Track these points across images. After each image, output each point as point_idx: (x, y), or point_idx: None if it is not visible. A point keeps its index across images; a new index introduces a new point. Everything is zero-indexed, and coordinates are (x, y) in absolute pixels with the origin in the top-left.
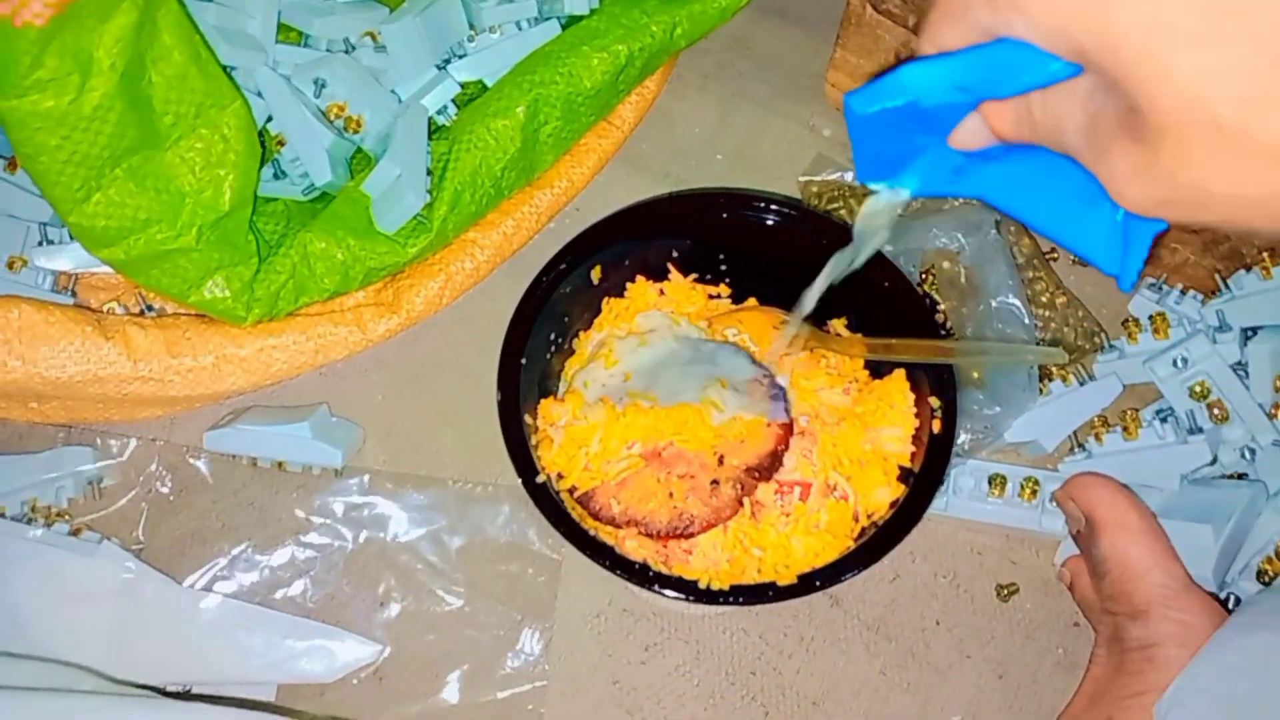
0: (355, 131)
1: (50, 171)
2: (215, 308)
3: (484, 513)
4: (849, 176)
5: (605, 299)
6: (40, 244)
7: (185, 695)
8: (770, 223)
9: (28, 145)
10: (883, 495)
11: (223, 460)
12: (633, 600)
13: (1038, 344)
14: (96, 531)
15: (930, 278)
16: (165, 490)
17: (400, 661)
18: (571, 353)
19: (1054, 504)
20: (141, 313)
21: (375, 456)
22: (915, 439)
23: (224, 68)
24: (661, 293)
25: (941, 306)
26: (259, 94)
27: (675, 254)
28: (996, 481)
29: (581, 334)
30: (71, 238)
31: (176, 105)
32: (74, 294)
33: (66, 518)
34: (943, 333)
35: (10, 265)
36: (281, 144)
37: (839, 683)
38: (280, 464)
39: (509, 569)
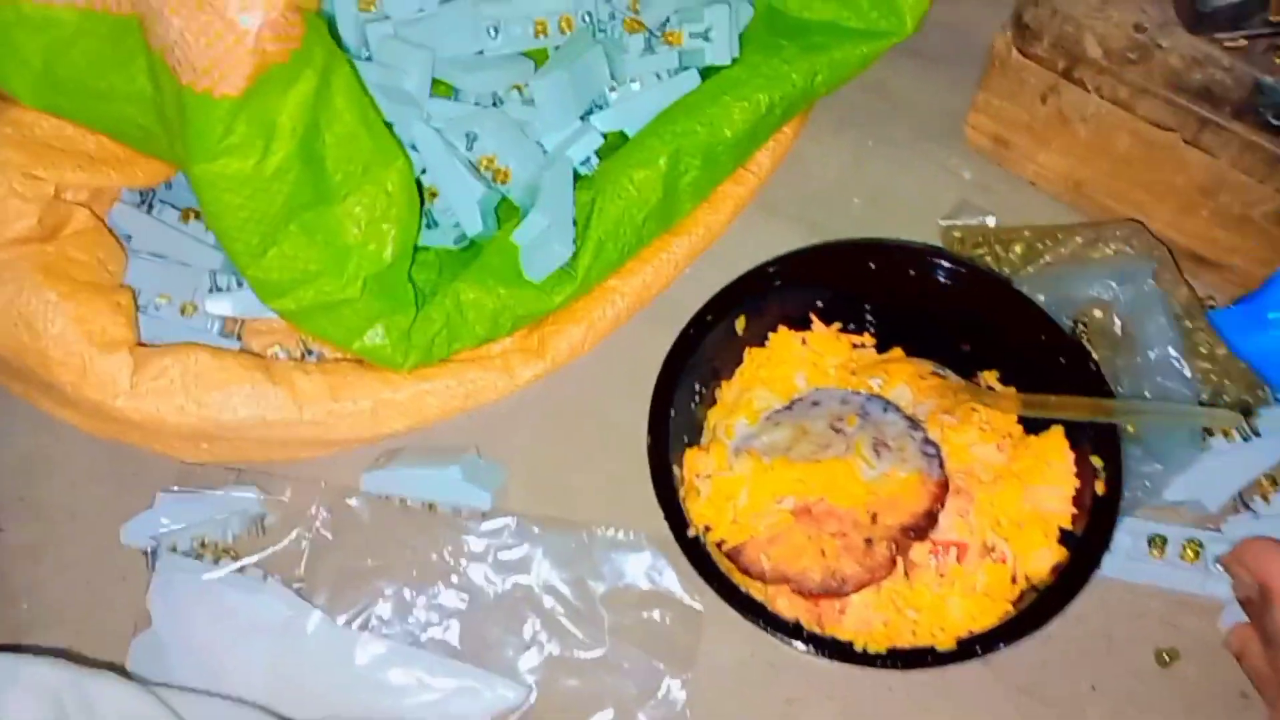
0: (503, 182)
1: (232, 229)
2: (375, 355)
3: (626, 559)
4: (991, 221)
5: (747, 349)
6: (211, 290)
7: None
8: (915, 273)
9: (214, 205)
10: (1043, 558)
11: (376, 501)
12: (775, 653)
13: (1201, 401)
14: (260, 569)
15: (1082, 328)
16: (324, 530)
17: (545, 706)
18: (714, 402)
19: (1219, 567)
20: (302, 357)
21: (519, 498)
22: (1076, 500)
23: (386, 124)
24: (804, 342)
25: (1094, 358)
26: (414, 147)
27: (818, 303)
28: (1156, 542)
29: (724, 383)
30: (239, 285)
31: (347, 164)
32: (239, 338)
33: (232, 555)
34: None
35: (183, 310)
36: (434, 195)
37: None
38: (431, 505)
39: (651, 616)
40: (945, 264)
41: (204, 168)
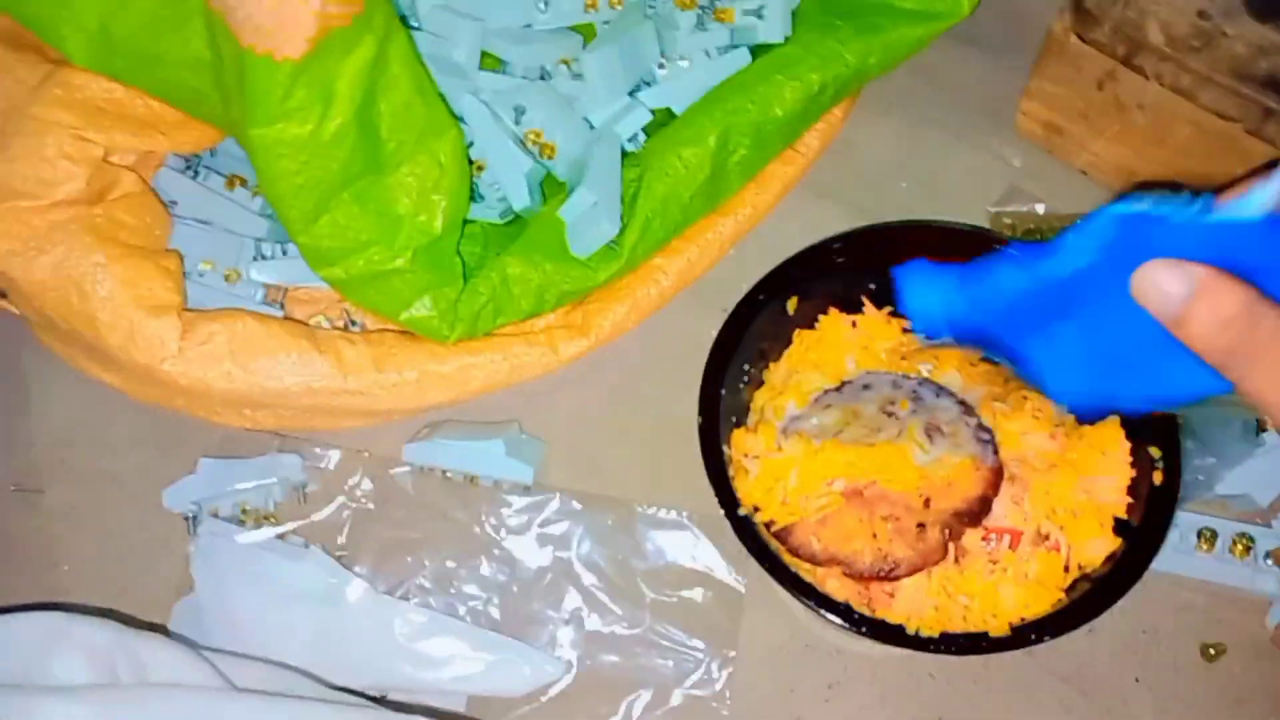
0: (549, 157)
1: (287, 195)
2: (422, 326)
3: (668, 537)
4: (1042, 208)
5: (796, 330)
6: (255, 258)
7: (381, 702)
8: (969, 258)
9: (270, 170)
10: (1098, 547)
11: (419, 472)
12: (816, 635)
13: None
14: (301, 537)
15: None
16: (366, 500)
17: (584, 681)
18: (761, 384)
19: (1269, 563)
20: (345, 327)
21: (560, 475)
22: (1132, 490)
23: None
24: (854, 325)
25: None
26: (462, 119)
27: (871, 286)
28: (1205, 535)
29: (771, 365)
30: (283, 253)
31: (401, 133)
32: (282, 306)
33: (274, 521)
34: None
35: (227, 277)
36: (481, 169)
37: None
38: (472, 478)
39: (692, 595)
40: (1000, 249)
41: (261, 131)
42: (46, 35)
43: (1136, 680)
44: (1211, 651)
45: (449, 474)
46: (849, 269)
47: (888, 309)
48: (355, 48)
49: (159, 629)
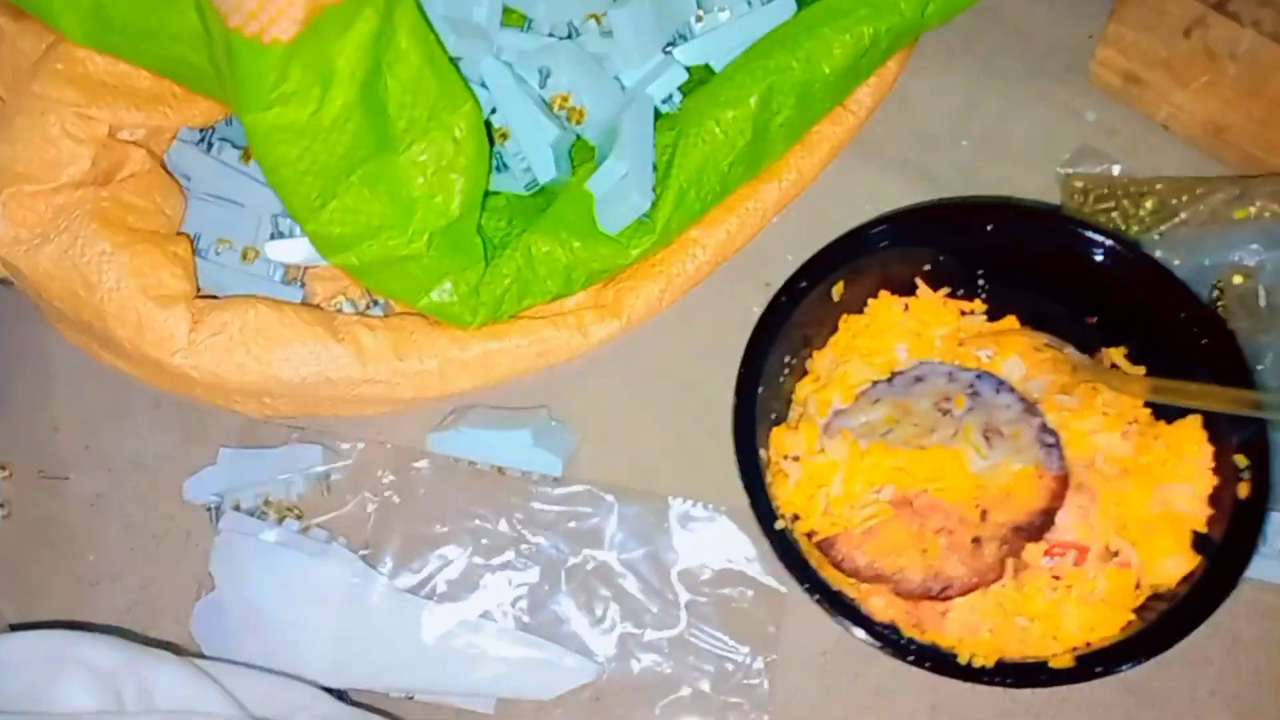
0: (578, 122)
1: (290, 181)
2: (443, 312)
3: (705, 533)
4: (1117, 170)
5: (843, 316)
6: (272, 236)
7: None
8: (1037, 238)
9: (270, 157)
10: (1174, 566)
11: (445, 463)
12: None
13: None
14: (325, 530)
15: (1218, 294)
16: (390, 493)
17: (617, 684)
18: (805, 373)
19: None
20: (367, 307)
21: (592, 464)
22: (1213, 499)
23: (453, 62)
24: (907, 309)
25: (1231, 329)
26: (483, 84)
27: (925, 267)
28: None
29: (815, 354)
30: (301, 231)
31: (411, 109)
32: (303, 285)
33: (297, 514)
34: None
35: (245, 256)
36: (505, 137)
37: None
38: (500, 469)
39: (730, 594)
40: (1074, 230)
41: (256, 118)
42: (41, 12)
43: (1211, 693)
44: None
45: (476, 464)
46: (903, 248)
47: (944, 290)
48: (354, 23)
49: (171, 647)
